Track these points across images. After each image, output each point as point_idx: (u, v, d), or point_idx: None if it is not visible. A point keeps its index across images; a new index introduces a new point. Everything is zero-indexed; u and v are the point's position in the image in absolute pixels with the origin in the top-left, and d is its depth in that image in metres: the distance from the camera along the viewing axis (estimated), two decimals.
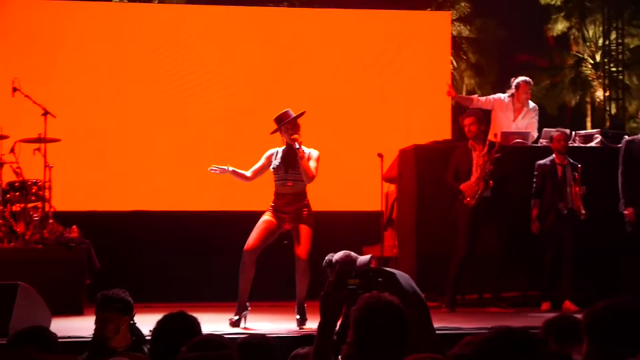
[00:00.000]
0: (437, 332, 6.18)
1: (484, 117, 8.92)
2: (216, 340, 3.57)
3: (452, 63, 20.30)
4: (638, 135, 9.05)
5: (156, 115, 11.90)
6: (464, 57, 24.89)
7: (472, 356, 2.96)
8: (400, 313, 3.26)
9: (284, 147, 7.44)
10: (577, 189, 8.66)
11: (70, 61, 11.83)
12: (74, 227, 9.29)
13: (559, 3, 26.05)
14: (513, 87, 9.78)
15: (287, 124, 7.35)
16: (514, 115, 9.69)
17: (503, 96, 9.90)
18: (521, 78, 9.84)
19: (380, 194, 10.10)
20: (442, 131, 11.83)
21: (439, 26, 13.36)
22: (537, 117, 9.87)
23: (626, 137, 9.07)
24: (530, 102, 9.86)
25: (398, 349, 3.22)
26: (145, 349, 4.94)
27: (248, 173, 7.50)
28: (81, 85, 11.80)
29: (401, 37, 12.64)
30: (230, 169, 7.38)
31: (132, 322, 5.08)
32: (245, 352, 4.11)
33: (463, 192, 8.58)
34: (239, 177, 7.48)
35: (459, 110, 11.69)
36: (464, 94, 24.75)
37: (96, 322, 5.04)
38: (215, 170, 7.37)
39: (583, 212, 8.61)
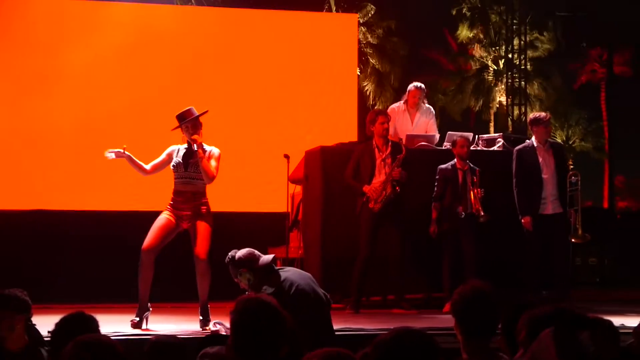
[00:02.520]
0: (341, 332, 6.23)
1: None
2: (105, 341, 3.45)
3: (358, 65, 20.43)
4: (526, 143, 9.21)
5: (58, 113, 11.64)
6: (369, 63, 25.09)
7: (370, 355, 2.98)
8: (275, 314, 3.34)
9: (185, 145, 7.35)
10: (476, 191, 8.77)
11: None
12: None
13: (466, 11, 26.54)
14: (407, 92, 9.85)
15: (187, 123, 7.27)
16: (411, 120, 9.72)
17: (398, 104, 9.96)
18: (412, 84, 9.87)
19: (287, 195, 10.07)
20: (349, 133, 11.88)
21: (346, 28, 13.42)
22: (433, 118, 9.92)
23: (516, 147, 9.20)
24: (423, 105, 9.81)
25: (273, 350, 3.32)
26: (43, 351, 4.82)
27: (147, 166, 7.38)
28: None
29: (308, 39, 12.65)
30: (126, 153, 7.23)
31: (29, 322, 4.95)
32: (156, 352, 4.06)
33: (367, 196, 8.60)
34: (136, 166, 7.33)
35: (365, 112, 11.73)
36: (370, 99, 24.99)
37: None
38: (111, 154, 7.24)
39: (482, 214, 8.70)
